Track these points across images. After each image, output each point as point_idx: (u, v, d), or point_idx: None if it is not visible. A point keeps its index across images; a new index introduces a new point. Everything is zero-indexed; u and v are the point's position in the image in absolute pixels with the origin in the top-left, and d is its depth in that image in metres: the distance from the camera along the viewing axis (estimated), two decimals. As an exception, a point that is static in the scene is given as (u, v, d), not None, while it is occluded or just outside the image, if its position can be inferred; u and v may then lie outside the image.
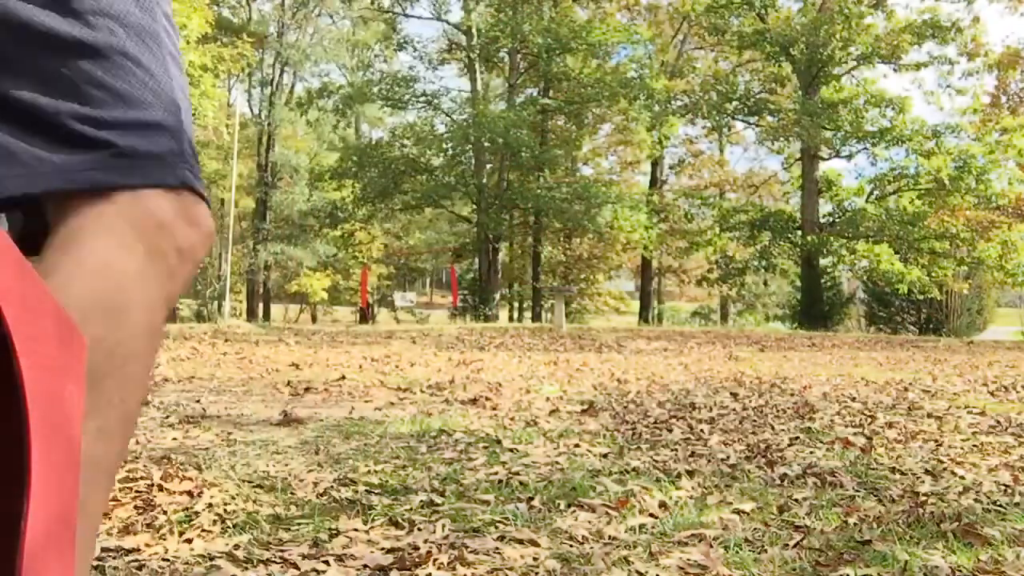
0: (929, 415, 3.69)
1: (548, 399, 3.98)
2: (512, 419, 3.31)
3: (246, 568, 1.52)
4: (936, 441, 3.01)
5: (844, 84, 20.87)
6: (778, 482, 2.32)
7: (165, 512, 1.80)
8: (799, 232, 20.54)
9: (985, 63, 21.19)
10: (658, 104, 21.44)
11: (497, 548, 1.65)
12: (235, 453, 2.55)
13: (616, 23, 22.61)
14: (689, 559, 1.62)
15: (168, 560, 1.55)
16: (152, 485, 1.96)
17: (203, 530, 1.71)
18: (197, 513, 1.81)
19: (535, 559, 1.61)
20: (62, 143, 0.68)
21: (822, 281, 21.06)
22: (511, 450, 2.66)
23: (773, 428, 3.25)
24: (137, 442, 2.65)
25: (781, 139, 22.31)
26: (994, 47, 21.75)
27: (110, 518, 1.77)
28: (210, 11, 13.69)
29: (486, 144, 20.37)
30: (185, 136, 0.75)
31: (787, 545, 1.74)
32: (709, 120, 23.90)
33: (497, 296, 22.59)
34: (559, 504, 2.00)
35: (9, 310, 0.70)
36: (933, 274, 19.14)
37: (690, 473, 2.38)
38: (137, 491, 1.94)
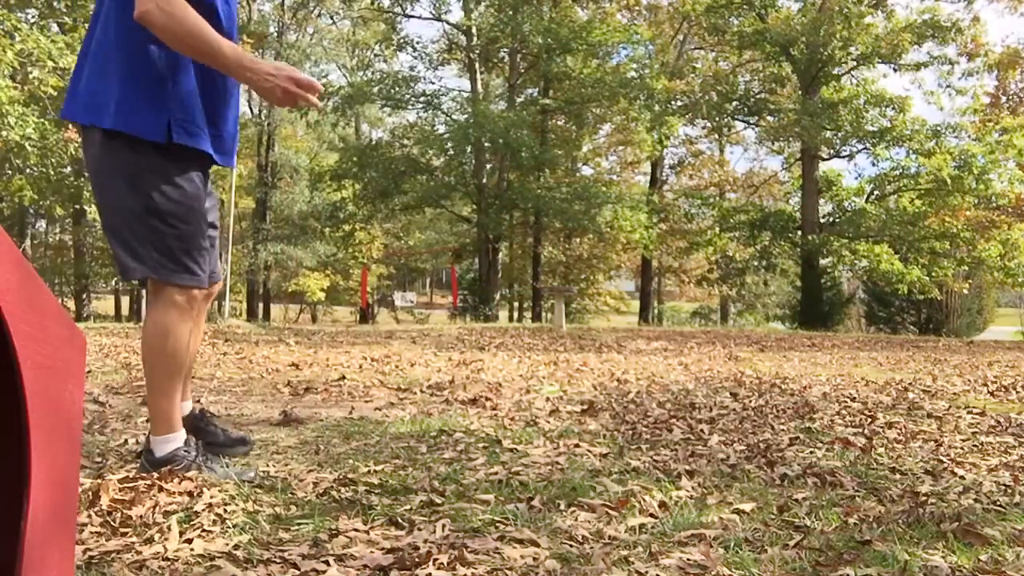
0: (929, 415, 3.69)
1: (548, 399, 3.98)
2: (512, 419, 3.31)
3: (246, 568, 1.53)
4: (936, 441, 3.01)
5: (844, 84, 20.87)
6: (778, 482, 2.32)
7: (165, 512, 1.81)
8: (799, 232, 20.55)
9: (985, 63, 21.19)
10: (658, 104, 21.43)
11: (497, 548, 1.65)
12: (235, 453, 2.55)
13: (616, 23, 22.61)
14: (689, 559, 1.63)
15: (168, 560, 1.55)
16: (152, 485, 1.96)
17: (203, 530, 1.71)
18: (197, 513, 1.81)
19: (535, 559, 1.61)
20: None
21: (822, 281, 21.06)
22: (511, 450, 2.66)
23: (773, 428, 3.25)
24: (137, 442, 2.65)
25: (781, 139, 22.31)
26: (994, 47, 21.76)
27: (111, 518, 1.77)
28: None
29: (486, 144, 20.36)
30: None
31: (787, 545, 1.74)
32: (709, 120, 23.91)
33: (497, 296, 22.58)
34: (559, 504, 2.00)
35: (10, 310, 0.70)
36: (933, 274, 19.14)
37: (690, 473, 2.38)
38: (137, 491, 1.94)
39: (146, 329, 2.15)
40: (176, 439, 2.17)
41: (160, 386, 2.14)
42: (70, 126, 13.93)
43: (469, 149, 21.11)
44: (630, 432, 3.07)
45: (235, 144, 2.30)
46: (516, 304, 29.27)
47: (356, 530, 1.75)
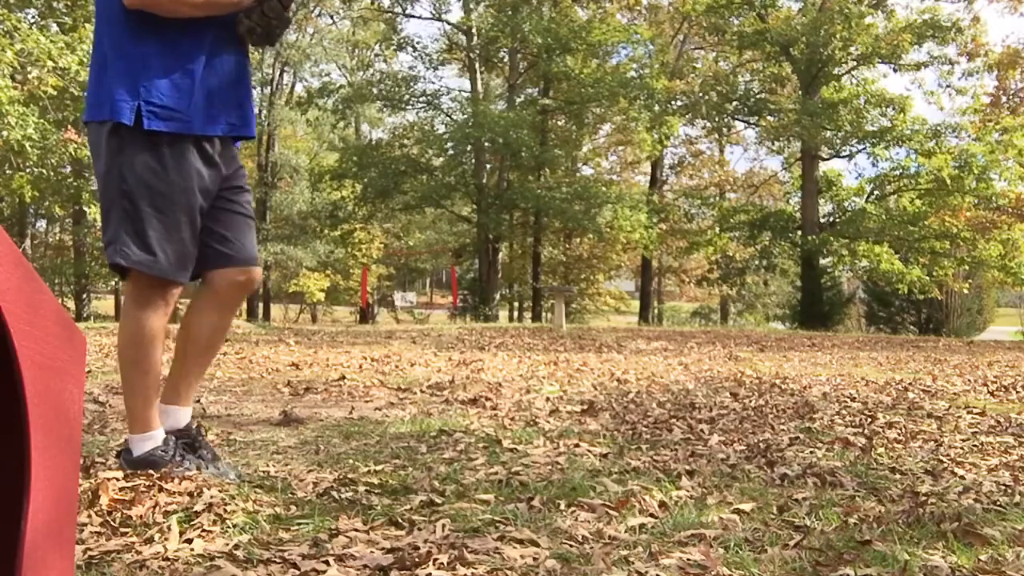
0: (929, 415, 3.69)
1: (548, 399, 3.98)
2: (512, 419, 3.31)
3: (246, 568, 1.52)
4: (936, 441, 3.01)
5: (844, 84, 20.87)
6: (778, 482, 2.32)
7: (165, 512, 1.81)
8: (799, 232, 20.54)
9: (985, 63, 21.19)
10: (658, 104, 21.43)
11: (497, 548, 1.65)
12: (235, 453, 2.56)
13: (616, 23, 22.61)
14: (689, 559, 1.63)
15: (168, 560, 1.55)
16: (152, 485, 1.96)
17: (203, 530, 1.71)
18: (197, 513, 1.81)
19: (535, 559, 1.61)
20: None
21: (822, 281, 21.06)
22: (511, 450, 2.66)
23: (773, 428, 3.25)
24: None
25: (781, 139, 22.31)
26: (994, 47, 21.77)
27: (111, 518, 1.77)
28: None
29: (486, 144, 20.36)
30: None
31: (787, 545, 1.74)
32: (709, 120, 23.91)
33: (497, 296, 22.59)
34: (559, 504, 2.00)
35: (10, 310, 0.70)
36: (933, 274, 19.14)
37: (690, 473, 2.38)
38: (137, 491, 1.94)
39: (119, 325, 2.14)
40: (153, 438, 2.12)
41: (130, 384, 2.09)
42: (69, 126, 13.95)
43: (469, 149, 21.11)
44: (630, 432, 3.07)
45: (223, 106, 2.14)
46: (516, 304, 29.27)
47: (356, 530, 1.75)
